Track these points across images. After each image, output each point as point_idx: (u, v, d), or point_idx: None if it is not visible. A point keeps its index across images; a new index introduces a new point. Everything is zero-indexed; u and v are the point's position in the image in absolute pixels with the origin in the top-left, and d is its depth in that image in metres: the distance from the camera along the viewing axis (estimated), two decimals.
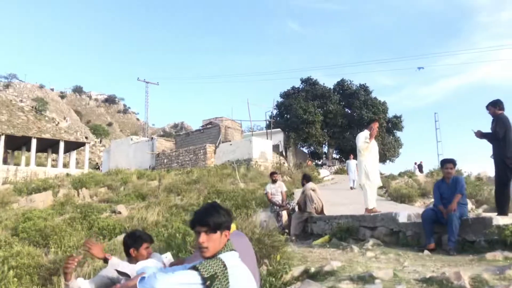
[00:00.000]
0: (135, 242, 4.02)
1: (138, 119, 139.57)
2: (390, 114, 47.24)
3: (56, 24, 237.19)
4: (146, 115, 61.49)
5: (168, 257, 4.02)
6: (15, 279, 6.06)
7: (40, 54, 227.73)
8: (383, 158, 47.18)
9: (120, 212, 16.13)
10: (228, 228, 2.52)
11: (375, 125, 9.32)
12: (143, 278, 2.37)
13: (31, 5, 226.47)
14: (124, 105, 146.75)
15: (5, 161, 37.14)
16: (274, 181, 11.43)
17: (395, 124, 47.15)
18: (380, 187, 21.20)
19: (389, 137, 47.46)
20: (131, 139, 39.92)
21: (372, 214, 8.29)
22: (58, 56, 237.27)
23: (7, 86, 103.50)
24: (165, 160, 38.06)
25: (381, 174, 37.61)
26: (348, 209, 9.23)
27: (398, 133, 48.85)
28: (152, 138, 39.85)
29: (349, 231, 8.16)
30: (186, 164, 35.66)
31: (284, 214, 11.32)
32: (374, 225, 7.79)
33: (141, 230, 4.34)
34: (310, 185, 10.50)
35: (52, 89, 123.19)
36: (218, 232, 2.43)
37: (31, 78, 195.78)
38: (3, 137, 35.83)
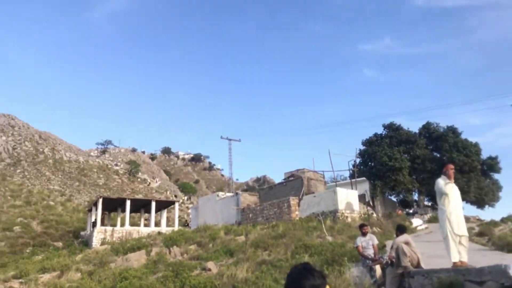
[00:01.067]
0: None
1: (222, 175, 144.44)
2: (484, 155, 44.34)
3: (146, 91, 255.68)
4: (230, 171, 63.44)
5: None
6: None
7: (132, 120, 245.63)
8: (481, 203, 43.93)
9: (210, 269, 16.23)
10: None
11: (449, 167, 8.79)
12: None
13: (117, 78, 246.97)
14: (209, 163, 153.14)
15: (102, 223, 39.25)
16: (364, 234, 10.98)
17: (491, 166, 44.03)
18: (480, 235, 19.59)
19: (486, 180, 44.28)
20: (217, 195, 40.62)
21: (478, 268, 7.60)
22: (149, 120, 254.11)
23: (103, 152, 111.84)
24: (250, 215, 38.17)
25: (480, 220, 34.80)
26: (448, 262, 8.54)
27: (495, 176, 45.49)
28: (236, 193, 40.27)
29: (452, 286, 7.50)
30: (270, 218, 35.48)
31: (378, 268, 10.75)
32: (480, 279, 7.09)
33: None
34: (402, 237, 9.92)
35: (144, 152, 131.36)
36: None
37: (124, 143, 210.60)
38: (101, 200, 38.19)
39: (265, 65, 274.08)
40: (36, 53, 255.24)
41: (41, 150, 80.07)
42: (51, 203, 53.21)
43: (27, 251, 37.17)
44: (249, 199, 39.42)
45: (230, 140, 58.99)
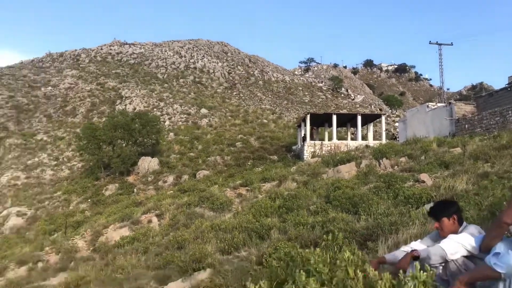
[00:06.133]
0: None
1: (431, 85, 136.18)
2: None
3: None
4: (441, 80, 58.65)
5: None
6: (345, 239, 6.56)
7: (333, 35, 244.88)
8: None
9: (423, 181, 15.67)
10: None
11: None
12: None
13: None
14: (416, 73, 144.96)
15: (311, 137, 41.00)
16: None
17: None
18: None
19: None
20: (427, 106, 38.30)
21: None
22: (349, 34, 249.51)
23: (306, 70, 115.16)
24: (466, 126, 35.34)
25: None
26: None
27: None
28: (449, 103, 37.03)
29: None
30: (491, 128, 32.19)
31: None
32: None
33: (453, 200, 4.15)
34: None
35: (345, 67, 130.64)
36: None
37: (326, 59, 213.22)
38: (308, 116, 39.78)
39: None
40: None
41: (251, 72, 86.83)
42: (265, 121, 57.90)
43: (248, 163, 41.77)
44: (464, 108, 36.12)
45: (440, 45, 53.60)
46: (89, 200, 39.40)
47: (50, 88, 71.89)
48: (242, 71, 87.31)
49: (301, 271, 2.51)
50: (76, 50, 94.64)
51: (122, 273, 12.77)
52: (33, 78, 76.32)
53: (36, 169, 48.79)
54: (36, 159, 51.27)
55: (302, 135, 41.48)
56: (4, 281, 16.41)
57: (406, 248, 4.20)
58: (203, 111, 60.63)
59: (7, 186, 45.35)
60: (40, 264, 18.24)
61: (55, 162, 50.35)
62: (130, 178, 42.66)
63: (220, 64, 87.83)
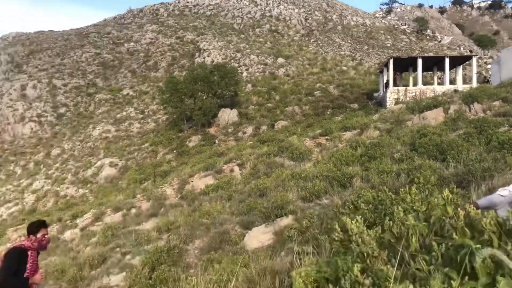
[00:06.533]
0: None
1: None
2: None
3: None
4: None
5: None
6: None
7: None
8: None
9: None
10: None
11: None
12: None
13: None
14: None
15: (394, 83, 39.33)
16: None
17: None
18: None
19: None
20: None
21: None
22: None
23: (388, 12, 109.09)
24: None
25: None
26: None
27: None
28: None
29: None
30: None
31: None
32: None
33: None
34: None
35: (431, 6, 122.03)
36: None
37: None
38: (391, 61, 37.97)
39: None
40: None
41: (329, 18, 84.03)
42: (344, 68, 56.27)
43: (328, 113, 41.31)
44: None
45: None
46: (174, 151, 41.39)
47: (132, 44, 74.67)
48: (320, 16, 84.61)
49: (399, 207, 2.39)
50: (154, 5, 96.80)
51: (208, 218, 13.39)
52: (116, 34, 79.57)
53: (124, 122, 51.77)
54: (124, 113, 54.29)
55: (385, 81, 39.88)
56: (102, 225, 17.94)
57: (503, 192, 3.97)
58: (280, 60, 60.11)
59: (99, 139, 48.73)
60: (133, 210, 19.66)
61: (141, 116, 53.01)
62: (211, 130, 43.96)
63: (296, 10, 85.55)
